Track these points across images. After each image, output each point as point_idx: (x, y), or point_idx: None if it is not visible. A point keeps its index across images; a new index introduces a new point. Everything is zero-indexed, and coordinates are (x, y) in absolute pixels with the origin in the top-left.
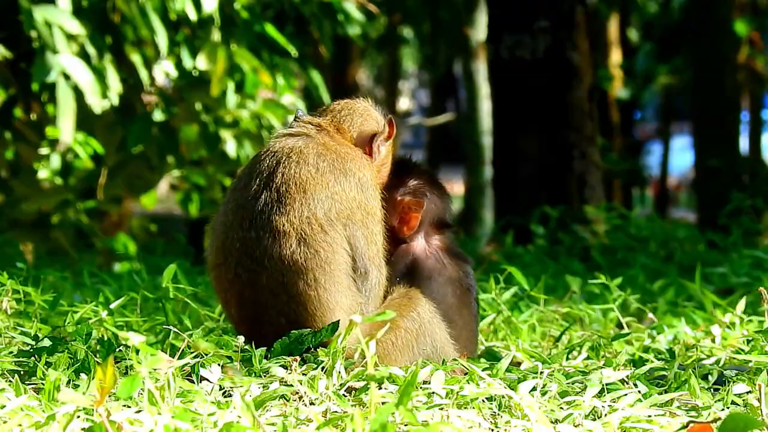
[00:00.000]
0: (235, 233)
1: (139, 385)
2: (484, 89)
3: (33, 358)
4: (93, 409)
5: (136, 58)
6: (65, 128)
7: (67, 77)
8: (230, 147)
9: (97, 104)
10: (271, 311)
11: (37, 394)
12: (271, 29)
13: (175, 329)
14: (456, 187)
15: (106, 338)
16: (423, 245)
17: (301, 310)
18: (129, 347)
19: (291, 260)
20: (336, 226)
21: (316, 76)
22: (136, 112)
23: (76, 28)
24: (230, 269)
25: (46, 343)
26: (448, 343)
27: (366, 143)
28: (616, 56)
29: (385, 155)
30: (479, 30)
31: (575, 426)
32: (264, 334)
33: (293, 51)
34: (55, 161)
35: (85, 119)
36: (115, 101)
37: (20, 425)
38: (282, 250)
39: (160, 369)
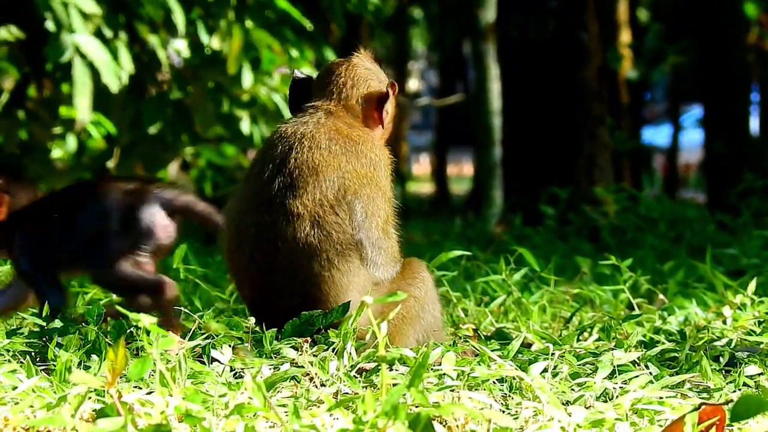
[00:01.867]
0: (250, 218)
1: (150, 367)
2: (493, 70)
3: (44, 339)
4: (104, 391)
5: (149, 37)
6: (82, 107)
7: (82, 56)
8: (245, 125)
9: (114, 83)
10: (285, 293)
11: (49, 375)
12: (284, 4)
13: (186, 310)
14: (465, 168)
15: (116, 320)
16: None
17: (315, 290)
18: (140, 328)
19: (305, 242)
20: (343, 206)
21: (329, 52)
22: (148, 92)
23: (93, 7)
24: (245, 253)
25: (57, 324)
26: (440, 313)
27: (373, 108)
28: (625, 36)
29: (390, 118)
30: (489, 10)
31: (586, 407)
32: (277, 315)
33: (308, 25)
34: (70, 141)
35: (99, 99)
36: (126, 81)
37: (32, 406)
38: (296, 232)
39: (171, 350)
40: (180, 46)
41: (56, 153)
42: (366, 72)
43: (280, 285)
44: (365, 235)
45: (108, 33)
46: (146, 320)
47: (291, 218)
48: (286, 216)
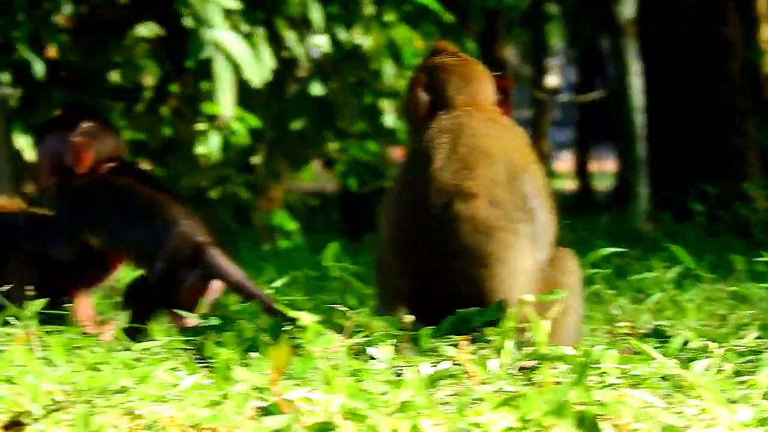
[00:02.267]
0: (423, 205)
1: (312, 365)
2: (634, 66)
3: (201, 336)
4: (266, 389)
5: (288, 33)
6: (225, 102)
7: (223, 52)
8: (389, 119)
9: (256, 78)
10: (457, 277)
11: (208, 372)
12: None
13: (341, 307)
14: (607, 164)
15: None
16: None
17: (488, 272)
18: (297, 326)
19: (484, 222)
20: (516, 183)
21: (471, 46)
22: (288, 88)
23: (232, 2)
24: (412, 242)
25: (214, 321)
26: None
27: (502, 99)
28: (766, 31)
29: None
30: (627, 6)
31: (752, 406)
32: (442, 305)
33: (448, 17)
34: (213, 137)
35: (241, 95)
36: (268, 77)
37: (194, 404)
38: (475, 212)
39: (332, 348)
40: (320, 41)
41: (200, 149)
42: (480, 71)
43: (453, 269)
44: (537, 212)
45: (246, 29)
46: (306, 318)
47: (468, 199)
48: (463, 197)
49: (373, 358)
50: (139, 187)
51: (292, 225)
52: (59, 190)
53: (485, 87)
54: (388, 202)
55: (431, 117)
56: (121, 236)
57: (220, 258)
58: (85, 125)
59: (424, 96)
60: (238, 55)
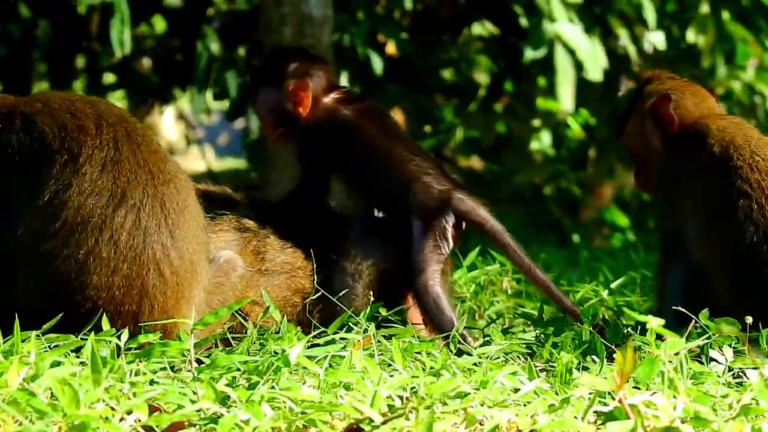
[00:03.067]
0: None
1: (657, 369)
2: None
3: (538, 340)
4: (606, 393)
5: (621, 30)
6: (565, 96)
7: (564, 45)
8: None
9: (596, 72)
10: None
11: (547, 376)
12: None
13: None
14: None
15: (610, 319)
16: None
17: None
18: (636, 328)
19: None
20: None
21: None
22: (620, 85)
23: None
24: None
25: (553, 325)
26: None
27: None
28: None
29: None
30: None
31: None
32: None
33: None
34: (546, 134)
35: (578, 90)
36: (600, 75)
37: (534, 409)
38: None
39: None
40: (656, 39)
41: (534, 146)
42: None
43: None
44: None
45: (581, 25)
46: (654, 322)
47: None
48: None
49: (713, 360)
50: (378, 136)
51: (624, 221)
52: (295, 136)
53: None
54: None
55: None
56: (359, 183)
57: (469, 202)
58: (293, 67)
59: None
60: (580, 48)
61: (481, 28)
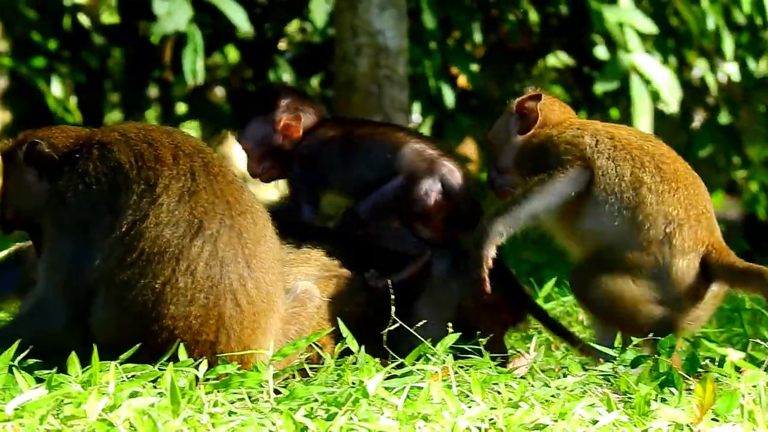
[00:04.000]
0: None
1: (737, 402)
2: None
3: (615, 371)
4: (685, 425)
5: (698, 61)
6: (644, 127)
7: (640, 75)
8: None
9: (673, 102)
10: None
11: (626, 408)
12: None
13: (756, 340)
14: None
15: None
16: None
17: None
18: (714, 360)
19: None
20: None
21: None
22: (695, 115)
23: (649, 26)
24: None
25: (630, 355)
26: None
27: None
28: None
29: None
30: None
31: None
32: None
33: None
34: None
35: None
36: (677, 106)
37: None
38: None
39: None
40: (731, 71)
41: None
42: None
43: None
44: None
45: (658, 56)
46: (734, 355)
47: None
48: None
49: None
50: (358, 128)
51: None
52: (290, 169)
53: None
54: None
55: None
56: (351, 175)
57: (453, 169)
58: (283, 102)
59: None
60: (656, 79)
61: (555, 60)
